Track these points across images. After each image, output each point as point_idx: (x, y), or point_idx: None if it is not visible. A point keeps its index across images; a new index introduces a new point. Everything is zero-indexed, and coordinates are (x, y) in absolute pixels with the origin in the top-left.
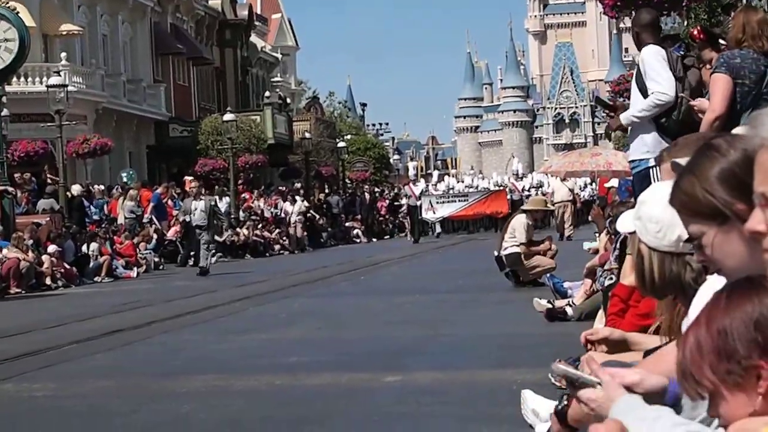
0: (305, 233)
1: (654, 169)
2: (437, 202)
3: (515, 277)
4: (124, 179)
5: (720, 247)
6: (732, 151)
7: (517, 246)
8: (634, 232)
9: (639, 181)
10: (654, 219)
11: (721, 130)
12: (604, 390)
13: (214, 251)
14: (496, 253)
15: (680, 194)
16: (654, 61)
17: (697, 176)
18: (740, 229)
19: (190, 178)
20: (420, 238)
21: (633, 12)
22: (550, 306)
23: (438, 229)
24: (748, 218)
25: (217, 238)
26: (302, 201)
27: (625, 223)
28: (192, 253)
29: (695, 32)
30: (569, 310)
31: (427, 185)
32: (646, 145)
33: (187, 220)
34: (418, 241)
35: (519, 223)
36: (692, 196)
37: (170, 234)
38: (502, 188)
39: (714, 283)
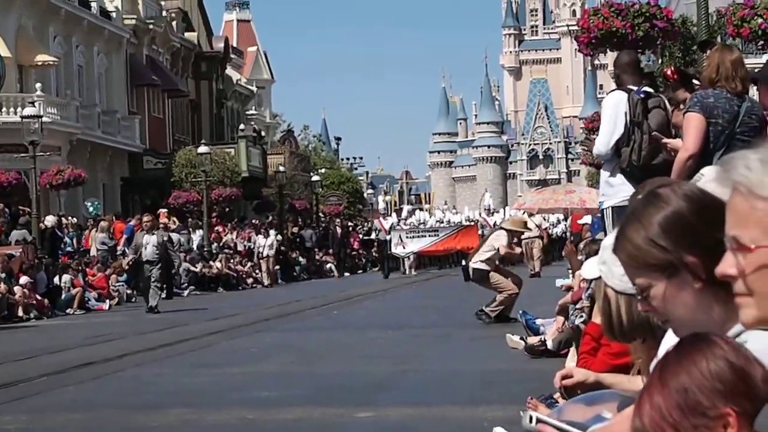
0: (278, 267)
1: (608, 210)
2: (407, 237)
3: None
4: (90, 209)
5: (669, 299)
6: (677, 198)
7: (486, 263)
8: (600, 278)
9: (600, 220)
10: (619, 262)
11: (694, 169)
12: None
13: (162, 288)
14: (464, 262)
15: (626, 244)
16: (607, 109)
17: (644, 225)
18: (690, 282)
19: (164, 210)
20: (389, 273)
21: (607, 50)
22: (523, 342)
23: (407, 264)
24: (698, 269)
25: (191, 268)
26: (275, 234)
27: (590, 269)
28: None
29: (668, 72)
30: (549, 343)
31: (399, 219)
32: (611, 186)
33: (135, 256)
34: (388, 277)
35: (497, 236)
36: (639, 247)
37: None
38: (473, 223)
39: None
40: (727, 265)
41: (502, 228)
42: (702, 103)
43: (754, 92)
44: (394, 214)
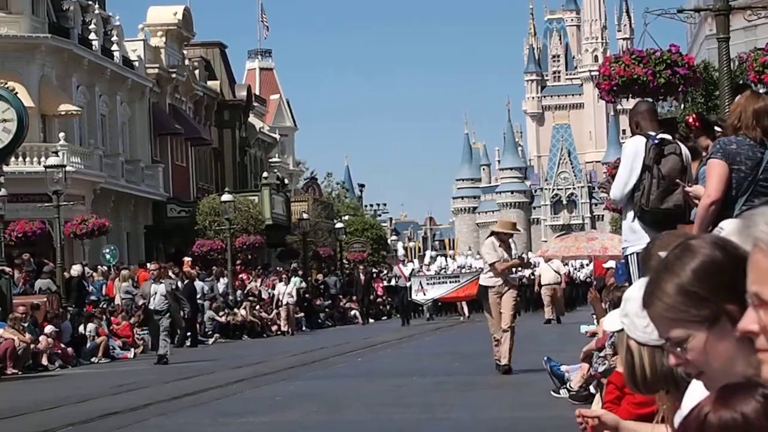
0: (302, 314)
1: (632, 256)
2: (428, 283)
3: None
4: (107, 257)
5: (709, 350)
6: (709, 246)
7: (488, 281)
8: (622, 330)
9: (624, 266)
10: (642, 314)
11: (717, 215)
12: None
13: (170, 337)
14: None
15: (661, 296)
16: (626, 154)
17: (679, 275)
18: (730, 331)
19: (189, 259)
20: (410, 320)
21: (629, 96)
22: (564, 392)
23: (427, 313)
24: (738, 318)
25: (216, 317)
26: (299, 281)
27: (612, 322)
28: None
29: (690, 120)
30: (591, 389)
31: (421, 266)
32: (634, 232)
33: (146, 302)
34: (408, 323)
35: (485, 244)
36: (677, 298)
37: None
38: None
39: None
40: (749, 321)
41: (492, 232)
42: (724, 150)
43: None
44: (415, 261)
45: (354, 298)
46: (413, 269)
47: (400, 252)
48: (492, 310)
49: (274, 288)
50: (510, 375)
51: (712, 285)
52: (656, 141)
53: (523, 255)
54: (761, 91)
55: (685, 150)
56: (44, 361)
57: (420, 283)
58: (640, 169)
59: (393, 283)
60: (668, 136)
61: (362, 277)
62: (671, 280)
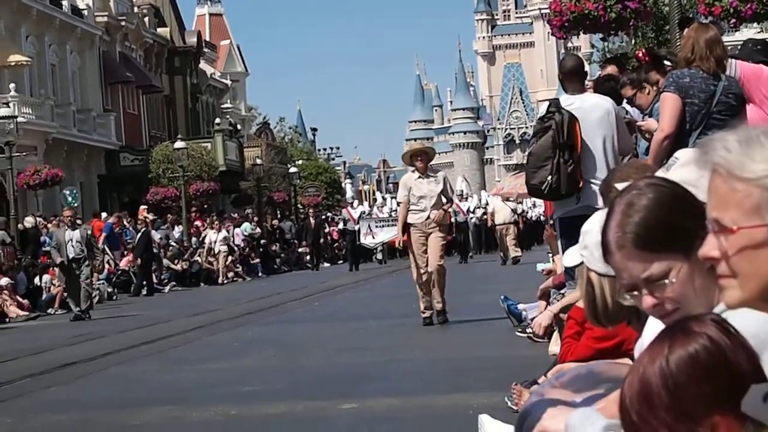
0: (258, 259)
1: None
2: (377, 226)
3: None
4: (69, 199)
5: (688, 283)
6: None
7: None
8: (581, 263)
9: None
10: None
11: (670, 149)
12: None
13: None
14: None
15: (637, 231)
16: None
17: (650, 209)
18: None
19: (144, 207)
20: (358, 265)
21: (581, 32)
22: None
23: (380, 255)
24: None
25: (171, 265)
26: (251, 226)
27: (570, 257)
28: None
29: (640, 54)
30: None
31: (372, 209)
32: None
33: (60, 256)
34: (357, 268)
35: (402, 179)
36: (655, 223)
37: (123, 264)
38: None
39: None
40: (710, 248)
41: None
42: (677, 83)
43: (734, 68)
44: (365, 203)
45: (312, 242)
46: (362, 212)
47: (349, 195)
48: (415, 251)
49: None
50: (447, 324)
51: (683, 212)
52: (540, 116)
53: (445, 208)
54: (708, 22)
55: (567, 115)
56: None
57: (369, 226)
58: None
59: (341, 226)
60: (556, 108)
61: (312, 221)
62: (642, 213)
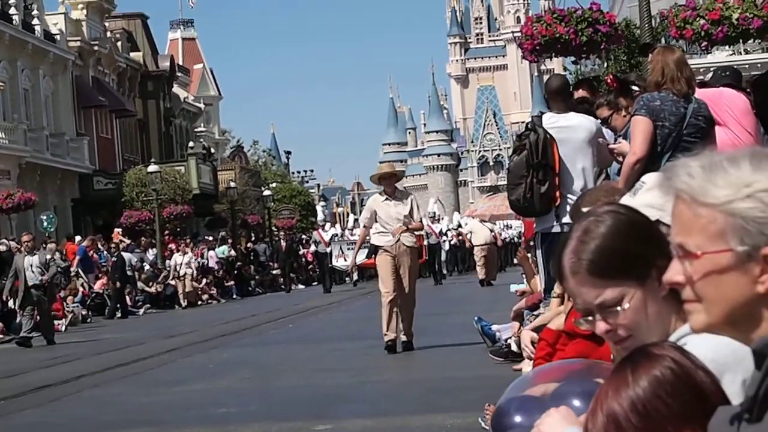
0: (233, 282)
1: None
2: (348, 248)
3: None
4: (45, 224)
5: (640, 310)
6: (624, 209)
7: (378, 234)
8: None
9: None
10: None
11: (641, 173)
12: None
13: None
14: None
15: (591, 257)
16: None
17: (606, 237)
18: (657, 289)
19: (119, 230)
20: (332, 287)
21: (552, 56)
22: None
23: (355, 276)
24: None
25: (146, 288)
26: (227, 249)
27: None
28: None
29: (608, 80)
30: (513, 346)
31: (343, 231)
32: None
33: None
34: (330, 291)
35: (369, 201)
36: (610, 250)
37: (97, 286)
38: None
39: None
40: (674, 273)
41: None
42: (648, 107)
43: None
44: (337, 226)
45: (284, 265)
46: (334, 234)
47: (320, 217)
48: (382, 274)
49: (203, 257)
50: (421, 347)
51: (639, 240)
52: (518, 134)
53: (406, 222)
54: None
55: (543, 134)
56: None
57: (341, 248)
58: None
59: (313, 249)
60: (532, 127)
61: (283, 243)
62: (597, 241)
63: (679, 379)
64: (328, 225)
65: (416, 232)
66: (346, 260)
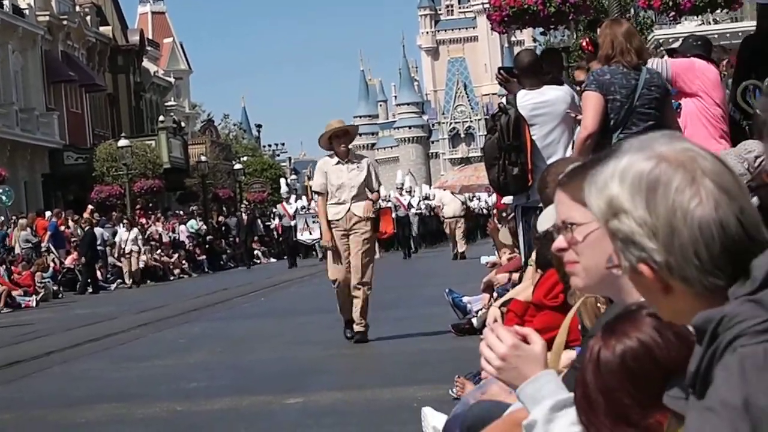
0: (204, 256)
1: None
2: (314, 222)
3: None
4: (3, 198)
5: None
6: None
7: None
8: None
9: None
10: None
11: (593, 148)
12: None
13: None
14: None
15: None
16: None
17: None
18: None
19: (91, 207)
20: (296, 262)
21: (521, 27)
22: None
23: (320, 252)
24: None
25: (117, 263)
26: (197, 223)
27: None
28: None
29: (584, 44)
30: (475, 321)
31: (309, 203)
32: None
33: None
34: (296, 265)
35: (319, 163)
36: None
37: (68, 262)
38: (386, 206)
39: None
40: (559, 242)
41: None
42: (598, 81)
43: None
44: (304, 198)
45: (255, 238)
46: (298, 207)
47: (284, 189)
48: (335, 253)
49: (174, 231)
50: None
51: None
52: (493, 113)
53: (371, 198)
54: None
55: (514, 115)
56: None
57: (306, 221)
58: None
59: (277, 222)
60: (504, 109)
61: (245, 217)
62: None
63: (640, 364)
64: (293, 198)
65: (374, 204)
66: (311, 234)
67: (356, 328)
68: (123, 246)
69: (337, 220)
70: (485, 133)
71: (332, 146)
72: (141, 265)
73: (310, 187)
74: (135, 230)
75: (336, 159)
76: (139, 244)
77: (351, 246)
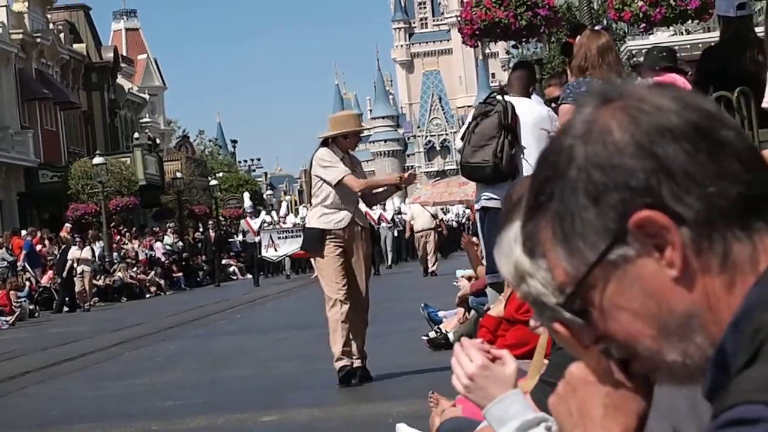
0: (180, 273)
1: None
2: (279, 238)
3: None
4: None
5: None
6: None
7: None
8: None
9: None
10: None
11: None
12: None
13: None
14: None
15: None
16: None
17: None
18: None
19: (69, 225)
20: (259, 280)
21: (493, 40)
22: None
23: (288, 269)
24: None
25: (93, 281)
26: (173, 240)
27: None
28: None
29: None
30: (451, 336)
31: (277, 219)
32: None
33: None
34: (259, 284)
35: (318, 156)
36: None
37: (44, 281)
38: None
39: None
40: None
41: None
42: (575, 94)
43: None
44: (273, 213)
45: (232, 254)
46: (263, 222)
47: (247, 204)
48: (331, 269)
49: (150, 249)
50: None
51: None
52: (483, 101)
53: (407, 173)
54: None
55: (512, 107)
56: None
57: (270, 237)
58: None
59: (240, 238)
60: (500, 97)
61: (212, 234)
62: None
63: None
64: (262, 212)
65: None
66: (276, 250)
67: (357, 363)
68: (75, 266)
69: (338, 230)
70: (467, 128)
71: (335, 142)
72: (94, 287)
73: (293, 204)
74: (87, 248)
75: (342, 154)
76: (94, 265)
77: (353, 263)
